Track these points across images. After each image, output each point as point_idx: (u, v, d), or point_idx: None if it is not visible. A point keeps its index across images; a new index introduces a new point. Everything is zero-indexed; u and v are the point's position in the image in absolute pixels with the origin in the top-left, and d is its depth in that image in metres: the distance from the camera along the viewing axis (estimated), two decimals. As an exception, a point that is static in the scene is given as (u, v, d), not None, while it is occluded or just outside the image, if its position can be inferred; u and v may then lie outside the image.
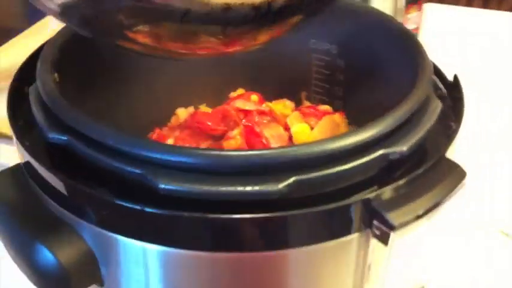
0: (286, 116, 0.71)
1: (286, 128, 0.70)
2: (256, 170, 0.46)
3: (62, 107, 0.51)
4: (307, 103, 0.79)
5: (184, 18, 0.45)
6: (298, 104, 0.80)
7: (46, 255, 0.49)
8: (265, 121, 0.69)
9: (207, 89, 0.78)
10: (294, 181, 0.46)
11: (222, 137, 0.69)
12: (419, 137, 0.52)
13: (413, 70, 0.59)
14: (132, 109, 0.70)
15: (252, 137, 0.67)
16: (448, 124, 0.58)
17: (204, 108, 0.77)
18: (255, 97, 0.73)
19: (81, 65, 0.63)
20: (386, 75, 0.68)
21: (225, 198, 0.45)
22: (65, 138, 0.50)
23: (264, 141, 0.67)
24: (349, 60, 0.75)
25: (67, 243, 0.49)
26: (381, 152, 0.49)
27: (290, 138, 0.69)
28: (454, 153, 0.56)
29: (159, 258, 0.49)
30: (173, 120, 0.72)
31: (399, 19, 1.05)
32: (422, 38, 1.12)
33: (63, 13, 0.48)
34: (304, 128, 0.69)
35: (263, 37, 0.55)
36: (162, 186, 0.45)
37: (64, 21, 0.51)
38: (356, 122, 0.75)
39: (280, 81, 0.79)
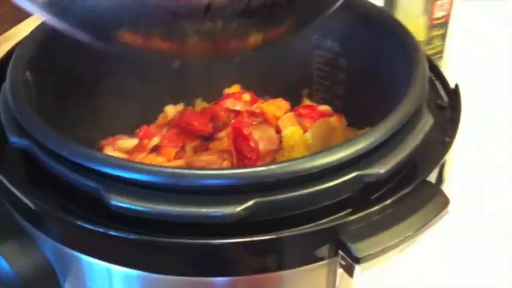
0: (278, 118, 0.67)
1: (278, 131, 0.66)
2: (215, 191, 0.43)
3: (21, 111, 0.49)
4: (307, 101, 0.75)
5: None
6: (297, 102, 0.76)
7: (1, 263, 0.48)
8: (255, 123, 0.65)
9: (204, 84, 0.74)
10: (253, 203, 0.43)
11: (210, 137, 0.66)
12: (400, 159, 0.47)
13: (408, 79, 0.54)
14: (121, 106, 0.67)
15: (239, 139, 0.63)
16: (440, 139, 0.54)
17: (199, 102, 0.74)
18: (246, 96, 0.69)
19: (62, 60, 0.61)
20: (385, 79, 0.63)
21: (177, 220, 0.43)
22: (26, 142, 0.48)
23: (252, 144, 0.63)
24: (351, 60, 0.70)
25: (23, 254, 0.48)
26: (354, 174, 0.46)
27: (281, 141, 0.66)
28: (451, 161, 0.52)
29: (120, 278, 0.47)
30: (161, 117, 0.70)
31: (429, 6, 0.99)
32: (452, 26, 1.06)
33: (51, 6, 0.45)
34: (296, 131, 0.66)
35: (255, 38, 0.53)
36: (113, 202, 0.43)
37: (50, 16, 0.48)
38: (355, 124, 0.71)
39: (282, 77, 0.75)
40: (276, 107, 0.68)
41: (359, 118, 0.70)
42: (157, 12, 0.45)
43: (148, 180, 0.43)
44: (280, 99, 0.71)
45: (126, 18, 0.46)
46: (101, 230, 0.43)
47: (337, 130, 0.68)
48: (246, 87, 0.74)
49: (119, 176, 0.43)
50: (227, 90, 0.71)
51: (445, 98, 0.60)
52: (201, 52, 0.53)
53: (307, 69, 0.75)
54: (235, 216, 0.43)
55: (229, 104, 0.67)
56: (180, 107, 0.71)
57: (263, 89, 0.77)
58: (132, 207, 0.43)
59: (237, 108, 0.67)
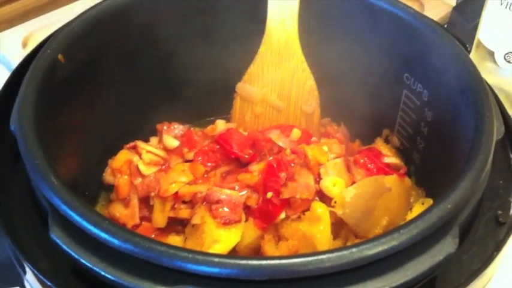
0: (321, 164, 0.58)
1: (320, 178, 0.58)
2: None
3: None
4: (381, 144, 0.65)
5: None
6: (369, 142, 0.67)
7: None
8: (296, 165, 0.58)
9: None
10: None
11: (246, 164, 0.60)
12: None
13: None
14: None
15: (271, 180, 0.56)
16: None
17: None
18: (297, 132, 0.61)
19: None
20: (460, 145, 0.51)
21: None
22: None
23: (282, 189, 0.56)
24: (436, 113, 0.58)
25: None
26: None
27: (319, 191, 0.58)
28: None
29: None
30: (209, 129, 0.64)
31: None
32: None
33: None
34: (337, 182, 0.57)
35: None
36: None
37: None
38: (427, 183, 0.61)
39: (365, 105, 0.66)
40: (319, 152, 0.59)
41: (432, 179, 0.59)
42: None
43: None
44: (335, 140, 0.62)
45: None
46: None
47: (393, 192, 0.58)
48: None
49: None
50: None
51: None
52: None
53: (392, 107, 0.64)
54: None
55: (274, 136, 0.60)
56: (232, 125, 0.66)
57: (338, 114, 0.68)
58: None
59: (280, 143, 0.59)
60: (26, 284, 0.48)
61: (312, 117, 0.66)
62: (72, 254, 0.40)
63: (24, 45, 0.97)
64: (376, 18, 0.60)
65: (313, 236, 0.55)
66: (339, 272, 0.38)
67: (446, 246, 0.40)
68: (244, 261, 0.38)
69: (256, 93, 0.66)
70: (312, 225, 0.55)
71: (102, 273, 0.39)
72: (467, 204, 0.43)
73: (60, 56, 0.53)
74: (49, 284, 0.42)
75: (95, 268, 0.40)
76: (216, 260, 0.38)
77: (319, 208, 0.56)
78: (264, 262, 0.38)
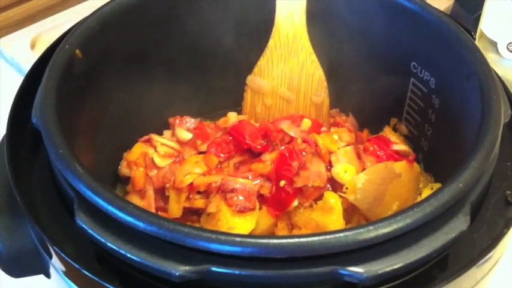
0: (331, 153, 0.60)
1: (331, 166, 0.59)
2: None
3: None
4: (389, 132, 0.67)
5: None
6: (377, 131, 0.68)
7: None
8: (308, 154, 0.59)
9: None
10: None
11: (259, 154, 0.62)
12: (398, 265, 0.40)
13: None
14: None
15: (283, 169, 0.58)
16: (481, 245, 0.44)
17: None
18: (307, 122, 0.62)
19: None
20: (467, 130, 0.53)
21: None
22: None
23: (295, 178, 0.58)
24: (444, 100, 0.60)
25: (12, 232, 0.49)
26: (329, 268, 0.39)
27: (330, 179, 0.59)
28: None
29: None
30: (222, 121, 0.66)
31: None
32: None
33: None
34: (348, 169, 0.58)
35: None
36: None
37: None
38: (436, 170, 0.62)
39: (373, 95, 0.67)
40: (330, 140, 0.61)
41: (440, 164, 0.61)
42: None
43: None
44: (344, 129, 0.63)
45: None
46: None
47: (403, 178, 0.59)
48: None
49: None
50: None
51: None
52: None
53: (400, 96, 0.65)
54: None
55: (285, 126, 0.61)
56: (244, 117, 0.67)
57: (347, 104, 0.70)
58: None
59: (291, 133, 0.61)
60: (51, 269, 0.50)
61: (322, 107, 0.68)
62: (99, 238, 0.42)
63: (33, 46, 0.98)
64: (382, 8, 0.61)
65: (326, 226, 0.57)
66: (356, 249, 0.40)
67: (459, 224, 0.42)
68: (265, 240, 0.39)
69: (266, 85, 0.67)
70: (325, 214, 0.56)
71: (128, 255, 0.41)
72: (478, 183, 0.45)
73: (77, 51, 0.55)
74: (76, 266, 0.43)
75: (120, 251, 0.41)
76: (238, 239, 0.39)
77: (332, 198, 0.58)
78: (284, 241, 0.39)
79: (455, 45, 0.55)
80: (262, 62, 0.67)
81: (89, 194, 0.42)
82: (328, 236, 0.39)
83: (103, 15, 0.58)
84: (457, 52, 0.55)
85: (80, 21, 0.57)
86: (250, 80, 0.68)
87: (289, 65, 0.67)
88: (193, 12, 0.64)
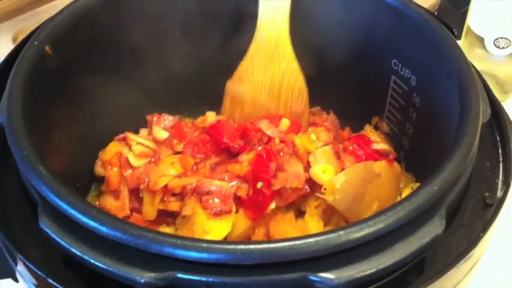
0: (309, 153, 0.58)
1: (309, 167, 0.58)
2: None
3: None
4: (370, 131, 0.65)
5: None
6: (359, 129, 0.67)
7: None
8: (286, 154, 0.58)
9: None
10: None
11: (236, 155, 0.60)
12: (370, 271, 0.39)
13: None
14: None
15: (260, 170, 0.56)
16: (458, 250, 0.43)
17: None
18: (286, 122, 0.61)
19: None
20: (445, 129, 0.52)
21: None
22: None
23: (272, 180, 0.56)
24: (424, 100, 0.58)
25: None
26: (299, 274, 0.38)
27: (309, 180, 0.58)
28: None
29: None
30: (200, 120, 0.65)
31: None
32: None
33: None
34: (327, 169, 0.57)
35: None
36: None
37: None
38: (417, 170, 0.61)
39: (357, 100, 0.66)
40: (308, 141, 0.59)
41: (421, 164, 0.60)
42: None
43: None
44: (322, 128, 0.62)
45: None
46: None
47: (383, 178, 0.58)
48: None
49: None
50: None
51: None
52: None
53: (381, 94, 0.64)
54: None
55: (263, 125, 0.60)
56: (222, 116, 0.65)
57: (328, 102, 0.69)
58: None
59: (269, 133, 0.59)
60: (17, 275, 0.49)
61: (301, 118, 0.66)
62: (62, 243, 0.40)
63: (15, 41, 0.96)
64: (363, 4, 0.60)
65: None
66: (327, 254, 0.38)
67: (434, 228, 0.41)
68: (232, 246, 0.38)
69: (246, 93, 0.66)
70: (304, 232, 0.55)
71: (92, 261, 0.40)
72: (454, 186, 0.44)
73: (47, 48, 0.53)
74: (39, 273, 0.42)
75: (84, 257, 0.40)
76: (205, 245, 0.38)
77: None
78: (252, 246, 0.38)
79: (435, 43, 0.54)
80: (243, 67, 0.65)
81: (52, 197, 0.41)
82: (297, 242, 0.38)
83: (75, 10, 0.56)
84: (438, 50, 0.54)
85: (51, 16, 0.55)
86: (230, 86, 0.66)
87: (271, 73, 0.65)
88: (169, 8, 0.62)
